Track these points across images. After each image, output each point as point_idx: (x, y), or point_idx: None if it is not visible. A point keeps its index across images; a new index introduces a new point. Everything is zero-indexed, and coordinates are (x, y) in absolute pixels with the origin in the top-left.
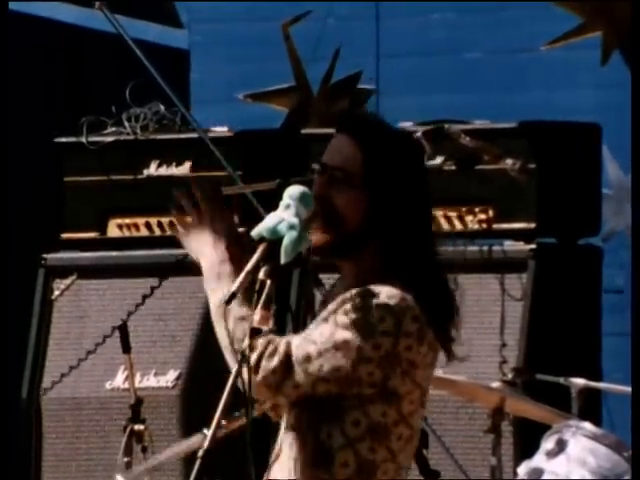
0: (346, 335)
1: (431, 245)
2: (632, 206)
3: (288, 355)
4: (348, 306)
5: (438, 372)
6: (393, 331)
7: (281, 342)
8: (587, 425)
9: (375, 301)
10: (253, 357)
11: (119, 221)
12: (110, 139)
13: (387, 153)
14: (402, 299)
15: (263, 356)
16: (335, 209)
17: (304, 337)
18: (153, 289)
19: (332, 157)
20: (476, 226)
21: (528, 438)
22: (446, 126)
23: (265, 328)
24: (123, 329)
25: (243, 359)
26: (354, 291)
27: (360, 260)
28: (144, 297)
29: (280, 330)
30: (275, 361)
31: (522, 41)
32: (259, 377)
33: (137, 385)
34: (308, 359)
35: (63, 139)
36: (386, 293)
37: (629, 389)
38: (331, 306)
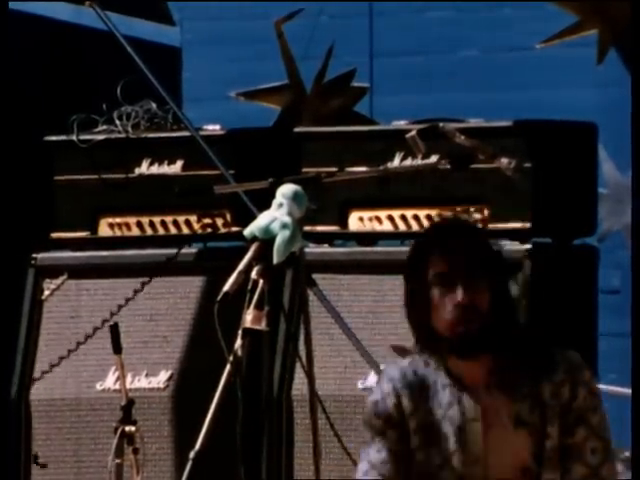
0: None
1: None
2: (632, 206)
3: None
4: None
5: None
6: None
7: None
8: None
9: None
10: None
11: (110, 220)
12: (101, 137)
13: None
14: None
15: None
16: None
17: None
18: (144, 285)
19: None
20: None
21: None
22: (441, 125)
23: (258, 328)
24: (114, 329)
25: (235, 360)
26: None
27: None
28: (135, 291)
29: (273, 330)
30: None
31: (517, 39)
32: None
33: (128, 386)
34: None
35: (53, 137)
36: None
37: (625, 390)
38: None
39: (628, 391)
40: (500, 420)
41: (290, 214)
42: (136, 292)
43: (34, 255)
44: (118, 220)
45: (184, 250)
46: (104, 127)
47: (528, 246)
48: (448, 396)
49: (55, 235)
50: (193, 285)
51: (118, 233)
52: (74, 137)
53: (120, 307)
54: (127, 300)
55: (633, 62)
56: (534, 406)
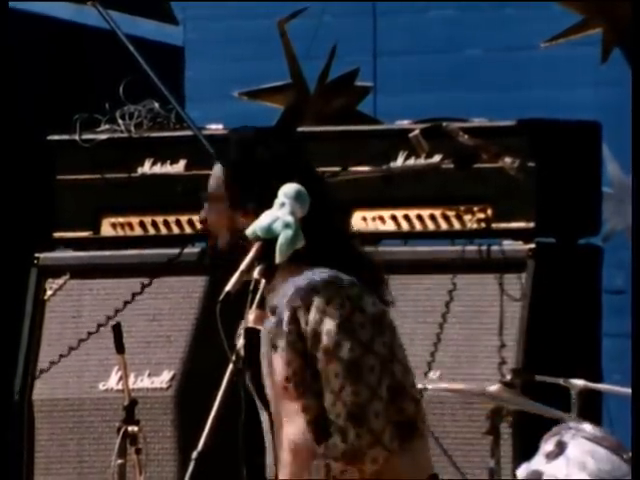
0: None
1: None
2: (632, 206)
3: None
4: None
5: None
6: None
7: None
8: (587, 427)
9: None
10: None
11: (113, 220)
12: (104, 137)
13: (238, 157)
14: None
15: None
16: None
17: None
18: (144, 287)
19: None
20: (475, 225)
21: (527, 440)
22: (444, 124)
23: (260, 328)
24: (117, 329)
25: (237, 359)
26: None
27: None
28: (137, 291)
29: None
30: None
31: (522, 39)
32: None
33: (131, 386)
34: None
35: (56, 137)
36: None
37: (629, 390)
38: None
39: (628, 391)
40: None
41: (292, 213)
42: (139, 292)
43: (36, 255)
44: (121, 220)
45: (187, 250)
46: (107, 126)
47: (532, 246)
48: None
49: (57, 235)
50: (195, 285)
51: (121, 233)
52: (77, 136)
53: (123, 307)
54: (129, 300)
55: (634, 64)
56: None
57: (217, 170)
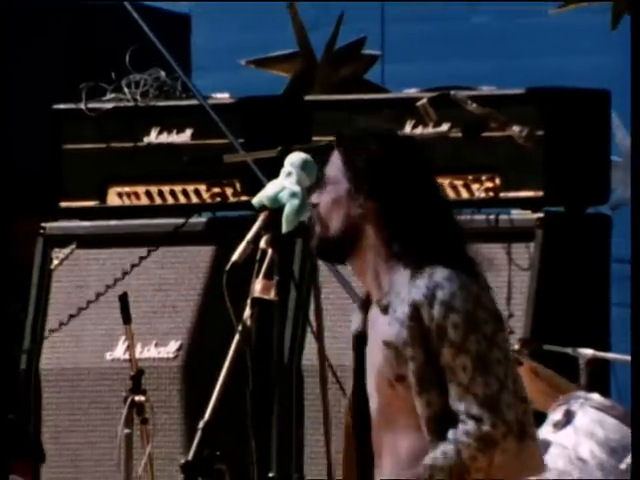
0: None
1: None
2: (632, 208)
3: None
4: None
5: None
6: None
7: (463, 431)
8: (595, 396)
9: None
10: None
11: (119, 189)
12: (109, 106)
13: (364, 148)
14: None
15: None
16: (319, 212)
17: (459, 391)
18: (150, 253)
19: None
20: (483, 194)
21: (535, 410)
22: (452, 92)
23: (267, 297)
24: (123, 299)
25: (244, 329)
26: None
27: (361, 259)
28: (142, 259)
29: (283, 299)
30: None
31: (530, 5)
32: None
33: (138, 356)
34: (491, 398)
35: (62, 106)
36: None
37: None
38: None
39: None
40: (374, 337)
41: (299, 183)
42: (145, 261)
43: (43, 224)
44: (127, 189)
45: (193, 219)
46: (112, 95)
47: (540, 215)
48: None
49: (64, 204)
50: (202, 255)
51: (127, 202)
52: (82, 105)
53: (129, 277)
54: (136, 270)
55: (633, 61)
56: (400, 330)
57: (337, 156)
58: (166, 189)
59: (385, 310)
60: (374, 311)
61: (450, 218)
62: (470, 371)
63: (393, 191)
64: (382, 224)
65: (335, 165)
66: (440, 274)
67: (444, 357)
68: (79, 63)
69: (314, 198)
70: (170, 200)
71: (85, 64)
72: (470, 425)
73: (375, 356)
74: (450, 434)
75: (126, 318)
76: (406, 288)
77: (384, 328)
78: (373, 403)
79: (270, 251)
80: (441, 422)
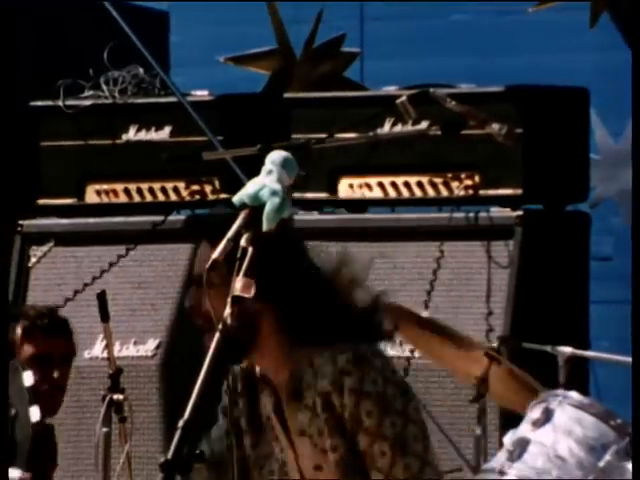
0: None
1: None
2: (632, 207)
3: None
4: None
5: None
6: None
7: None
8: (574, 394)
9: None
10: None
11: (97, 187)
12: (88, 103)
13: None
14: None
15: None
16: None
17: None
18: (128, 251)
19: (198, 267)
20: (462, 192)
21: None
22: (431, 90)
23: (247, 295)
24: (101, 297)
25: (224, 328)
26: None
27: (263, 348)
28: (120, 257)
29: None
30: None
31: (509, 3)
32: None
33: (116, 354)
34: None
35: (39, 103)
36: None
37: (616, 357)
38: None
39: (620, 358)
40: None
41: (279, 181)
42: (123, 259)
43: (20, 222)
44: (105, 187)
45: (172, 217)
46: (90, 92)
47: (519, 212)
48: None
49: (41, 202)
50: (181, 252)
51: (105, 200)
52: (60, 102)
53: (107, 274)
54: (114, 267)
55: (634, 57)
56: (312, 418)
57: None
58: (145, 187)
59: (293, 396)
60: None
61: (335, 293)
62: (389, 457)
63: (282, 289)
64: (276, 316)
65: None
66: (343, 358)
67: (361, 444)
68: (55, 60)
69: (191, 300)
70: (149, 198)
71: (61, 60)
72: None
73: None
74: None
75: (104, 316)
76: (310, 374)
77: (296, 417)
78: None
79: (251, 249)
80: None
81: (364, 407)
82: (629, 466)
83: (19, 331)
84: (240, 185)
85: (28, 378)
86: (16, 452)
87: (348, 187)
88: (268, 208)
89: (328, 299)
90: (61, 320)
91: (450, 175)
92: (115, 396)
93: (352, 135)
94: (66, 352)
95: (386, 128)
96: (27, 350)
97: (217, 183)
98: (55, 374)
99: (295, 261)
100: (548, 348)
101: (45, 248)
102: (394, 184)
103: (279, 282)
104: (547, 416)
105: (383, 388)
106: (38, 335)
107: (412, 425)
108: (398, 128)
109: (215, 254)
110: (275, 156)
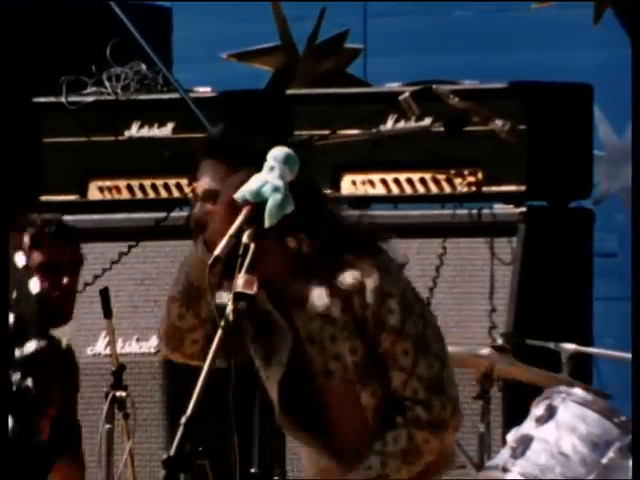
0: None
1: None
2: (633, 207)
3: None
4: (390, 306)
5: None
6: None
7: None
8: (577, 391)
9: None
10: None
11: (100, 183)
12: (90, 99)
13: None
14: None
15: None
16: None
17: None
18: (130, 248)
19: (202, 184)
20: (465, 189)
21: (517, 404)
22: (434, 86)
23: (249, 292)
24: (104, 294)
25: (227, 324)
26: (370, 293)
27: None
28: (121, 259)
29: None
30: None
31: (512, 2)
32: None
33: (119, 351)
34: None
35: (42, 99)
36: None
37: (620, 354)
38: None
39: (623, 355)
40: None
41: (282, 177)
42: (126, 256)
43: None
44: (108, 183)
45: (175, 214)
46: (93, 89)
47: (523, 209)
48: None
49: (44, 198)
50: (184, 249)
51: (108, 196)
52: (63, 99)
53: (110, 271)
54: (117, 264)
55: (634, 59)
56: (323, 325)
57: (219, 168)
58: (147, 183)
59: (303, 304)
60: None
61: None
62: (412, 355)
63: (302, 200)
64: (295, 227)
65: (221, 177)
66: (363, 263)
67: (383, 344)
68: (57, 56)
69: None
70: (151, 194)
71: (63, 57)
72: (419, 410)
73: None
74: (399, 420)
75: (107, 313)
76: (327, 282)
77: (306, 325)
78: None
79: (253, 245)
80: (385, 409)
81: (387, 306)
82: None
83: (27, 240)
84: None
85: (35, 285)
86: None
87: (351, 184)
88: (270, 204)
89: (338, 213)
90: (69, 227)
91: (453, 172)
92: (118, 393)
93: (355, 132)
94: (74, 259)
95: (389, 125)
96: (36, 258)
97: None
98: (64, 280)
99: (307, 173)
100: (551, 345)
101: None
102: (397, 181)
103: (300, 195)
104: (550, 413)
105: (404, 290)
106: (46, 243)
107: (431, 327)
108: (401, 125)
109: (217, 251)
110: (277, 152)
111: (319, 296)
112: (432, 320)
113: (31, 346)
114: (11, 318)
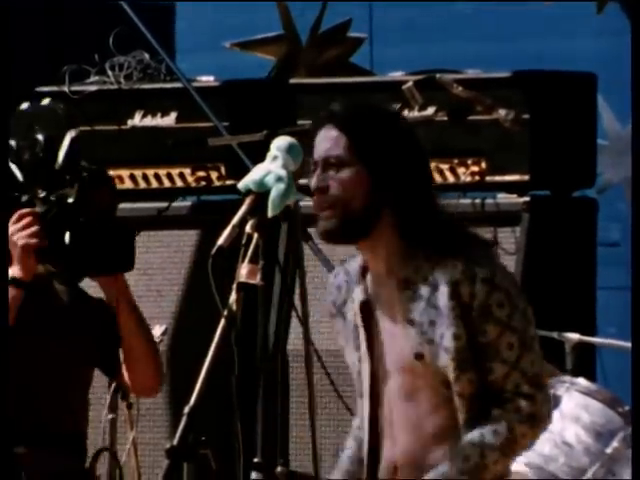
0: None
1: (437, 203)
2: (632, 198)
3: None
4: (497, 299)
5: None
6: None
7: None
8: (581, 380)
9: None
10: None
11: None
12: (93, 88)
13: (369, 127)
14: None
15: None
16: (334, 194)
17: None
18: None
19: (319, 150)
20: (468, 178)
21: None
22: (438, 76)
23: (252, 282)
24: None
25: (230, 314)
26: (480, 283)
27: (377, 237)
28: None
29: (268, 284)
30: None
31: None
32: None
33: None
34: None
35: (44, 88)
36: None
37: (623, 344)
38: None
39: (627, 344)
40: (389, 311)
41: (285, 167)
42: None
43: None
44: (111, 173)
45: (178, 203)
46: (96, 78)
47: (526, 199)
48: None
49: None
50: (187, 239)
51: None
52: (65, 88)
53: None
54: None
55: (633, 54)
56: (426, 307)
57: (337, 135)
58: (150, 173)
59: (405, 286)
60: (384, 286)
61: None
62: (517, 349)
63: (408, 178)
64: (399, 208)
65: (338, 144)
66: (475, 253)
67: (488, 335)
68: (60, 45)
69: (319, 181)
70: (154, 184)
71: (66, 46)
72: (521, 403)
73: (393, 331)
74: (497, 412)
75: None
76: (434, 270)
77: (405, 306)
78: (390, 378)
79: (256, 235)
80: (479, 400)
81: (496, 297)
82: None
83: None
84: (246, 171)
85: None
86: None
87: None
88: (273, 194)
89: (439, 202)
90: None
91: (456, 161)
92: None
93: None
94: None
95: None
96: None
97: (223, 169)
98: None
99: (420, 155)
100: (555, 334)
101: None
102: None
103: (407, 172)
104: (554, 402)
105: (511, 285)
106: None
107: (532, 326)
108: (404, 114)
109: (220, 240)
110: (280, 142)
111: (425, 280)
112: (533, 321)
113: None
114: None
